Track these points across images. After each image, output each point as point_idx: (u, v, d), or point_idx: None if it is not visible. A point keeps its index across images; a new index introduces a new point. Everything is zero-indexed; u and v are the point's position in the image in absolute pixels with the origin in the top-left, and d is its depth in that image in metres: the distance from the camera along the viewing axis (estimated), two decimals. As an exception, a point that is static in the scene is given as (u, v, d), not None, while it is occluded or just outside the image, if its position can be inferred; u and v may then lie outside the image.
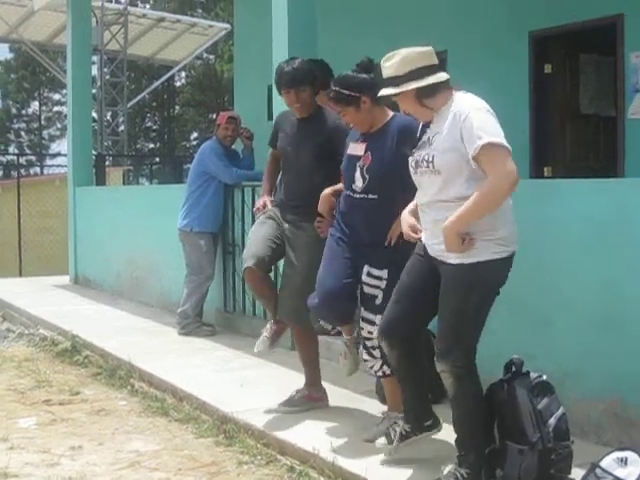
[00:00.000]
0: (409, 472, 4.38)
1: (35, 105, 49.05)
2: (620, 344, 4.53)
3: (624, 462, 3.64)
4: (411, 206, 4.41)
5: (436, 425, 4.53)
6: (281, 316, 5.58)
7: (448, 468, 4.17)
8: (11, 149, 46.05)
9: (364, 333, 4.88)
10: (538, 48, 9.75)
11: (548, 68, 9.77)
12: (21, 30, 22.89)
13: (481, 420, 4.14)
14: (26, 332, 9.13)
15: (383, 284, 4.76)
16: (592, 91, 9.98)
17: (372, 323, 4.78)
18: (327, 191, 5.18)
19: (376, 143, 4.82)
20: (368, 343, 4.88)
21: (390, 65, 4.13)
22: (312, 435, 5.00)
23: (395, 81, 4.11)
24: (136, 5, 37.74)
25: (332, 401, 5.54)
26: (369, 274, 4.82)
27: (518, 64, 9.78)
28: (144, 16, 24.68)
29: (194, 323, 8.31)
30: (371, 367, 4.96)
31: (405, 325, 4.32)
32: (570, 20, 9.25)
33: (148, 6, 41.81)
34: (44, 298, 10.91)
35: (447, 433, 4.45)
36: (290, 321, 5.58)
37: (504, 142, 3.89)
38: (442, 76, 4.12)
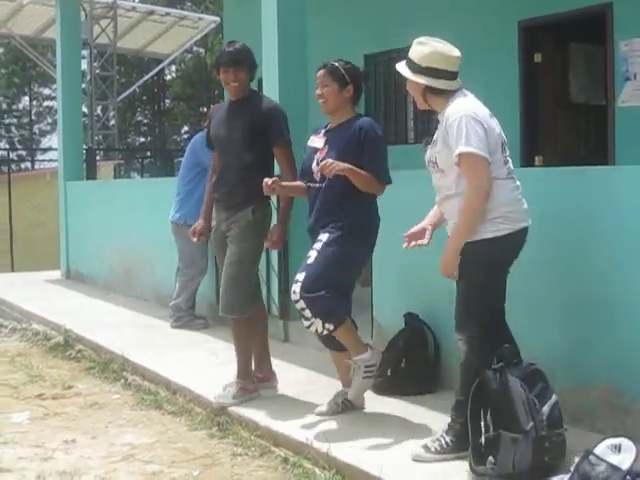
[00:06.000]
0: (401, 458, 4.37)
1: (25, 100, 48.90)
2: (613, 331, 4.53)
3: (618, 449, 3.65)
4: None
5: None
6: (221, 312, 5.64)
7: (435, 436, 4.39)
8: (2, 144, 45.93)
9: (291, 294, 4.98)
10: (527, 37, 9.76)
11: (538, 57, 9.77)
12: (10, 25, 22.82)
13: None
14: (19, 327, 9.12)
15: (319, 245, 4.97)
16: (582, 80, 9.99)
17: (296, 282, 4.92)
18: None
19: (335, 138, 5.09)
20: (297, 305, 4.96)
21: (418, 51, 4.37)
22: (306, 426, 5.00)
23: (413, 66, 4.37)
24: (125, -2, 37.63)
25: (327, 393, 5.50)
26: (318, 240, 5.06)
27: (508, 54, 9.77)
28: (133, 9, 24.61)
29: (187, 316, 8.30)
30: (315, 330, 4.98)
31: None
32: (559, 9, 9.25)
33: (137, -1, 41.66)
34: (36, 293, 10.90)
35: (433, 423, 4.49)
36: (226, 313, 5.60)
37: (477, 151, 4.07)
38: (453, 85, 4.35)
